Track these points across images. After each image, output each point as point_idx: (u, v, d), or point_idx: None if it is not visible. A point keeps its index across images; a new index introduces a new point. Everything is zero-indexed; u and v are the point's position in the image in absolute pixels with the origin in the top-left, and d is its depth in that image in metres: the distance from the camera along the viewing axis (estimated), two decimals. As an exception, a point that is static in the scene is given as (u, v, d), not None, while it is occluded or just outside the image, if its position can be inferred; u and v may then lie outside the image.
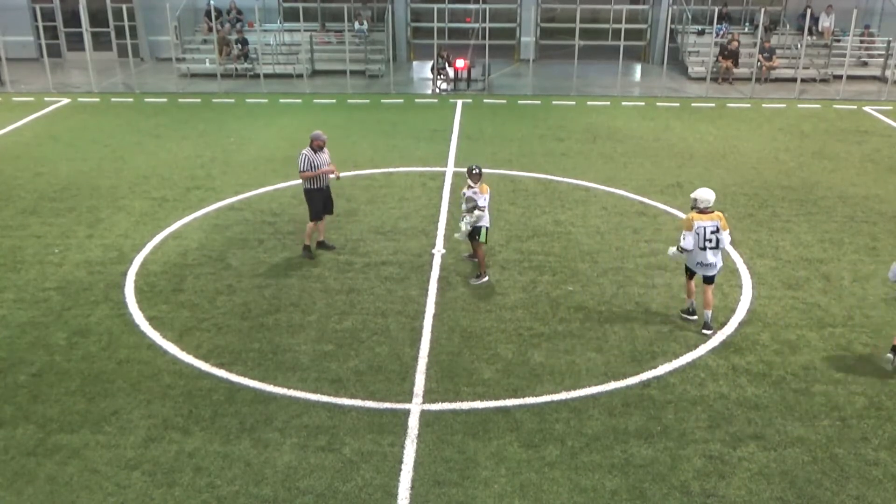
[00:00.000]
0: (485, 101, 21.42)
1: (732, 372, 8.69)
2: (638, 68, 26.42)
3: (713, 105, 20.94)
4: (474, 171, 10.30)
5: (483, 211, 10.23)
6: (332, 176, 11.35)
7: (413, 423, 7.80)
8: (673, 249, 9.44)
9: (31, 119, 19.13)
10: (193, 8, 25.96)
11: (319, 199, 11.24)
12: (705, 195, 9.21)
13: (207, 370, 8.68)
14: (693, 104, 20.99)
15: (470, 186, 10.29)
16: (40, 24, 24.62)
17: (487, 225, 10.44)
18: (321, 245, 11.61)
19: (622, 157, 16.23)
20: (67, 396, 8.20)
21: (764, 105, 21.00)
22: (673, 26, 25.20)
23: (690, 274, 9.54)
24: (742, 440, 7.59)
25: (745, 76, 23.33)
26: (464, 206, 10.39)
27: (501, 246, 11.74)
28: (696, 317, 9.67)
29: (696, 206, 9.24)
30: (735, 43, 23.47)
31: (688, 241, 9.11)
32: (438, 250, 11.64)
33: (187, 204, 13.46)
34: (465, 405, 8.10)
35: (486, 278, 10.60)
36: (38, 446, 7.46)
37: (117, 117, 19.40)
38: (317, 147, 11.05)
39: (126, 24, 23.93)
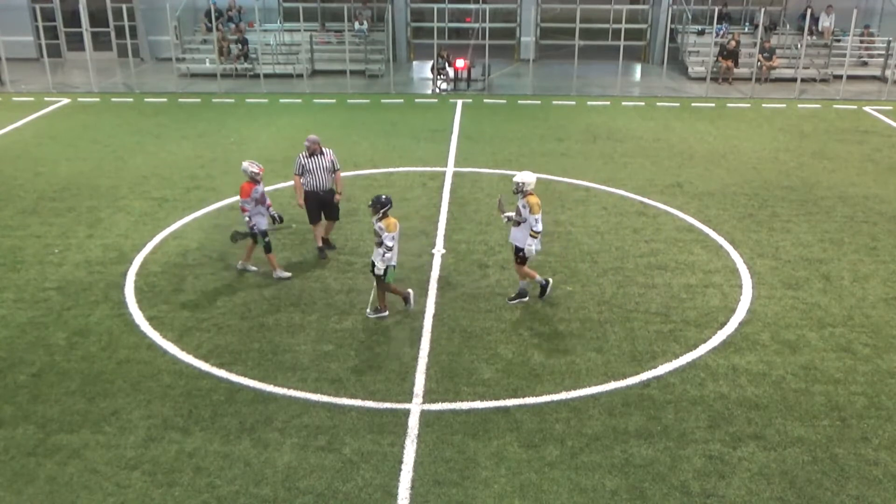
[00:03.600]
0: (485, 101, 21.42)
1: (732, 372, 8.69)
2: (638, 68, 26.42)
3: (713, 105, 20.94)
4: (369, 203, 9.33)
5: (391, 251, 9.27)
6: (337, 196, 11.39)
7: (413, 423, 7.80)
8: (532, 241, 9.66)
9: (31, 119, 19.13)
10: (193, 8, 25.97)
11: (313, 202, 11.22)
12: (533, 178, 9.69)
13: (207, 370, 8.68)
14: (693, 104, 20.99)
15: (376, 217, 9.31)
16: (40, 23, 24.64)
17: (394, 263, 9.44)
18: (326, 243, 11.59)
19: (622, 157, 16.23)
20: (67, 396, 8.20)
21: (764, 105, 21.00)
22: (673, 26, 25.20)
23: (525, 256, 9.86)
24: (742, 440, 7.59)
25: (745, 76, 23.33)
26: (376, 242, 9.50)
27: (501, 246, 11.74)
28: (550, 284, 10.18)
29: (528, 191, 9.61)
30: (733, 43, 23.46)
31: (540, 223, 9.61)
32: (438, 250, 11.64)
33: (187, 204, 13.46)
34: (465, 405, 8.10)
35: (386, 313, 9.72)
36: (38, 446, 7.46)
37: (117, 117, 19.40)
38: (310, 151, 11.05)
39: (126, 24, 23.94)
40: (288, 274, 10.79)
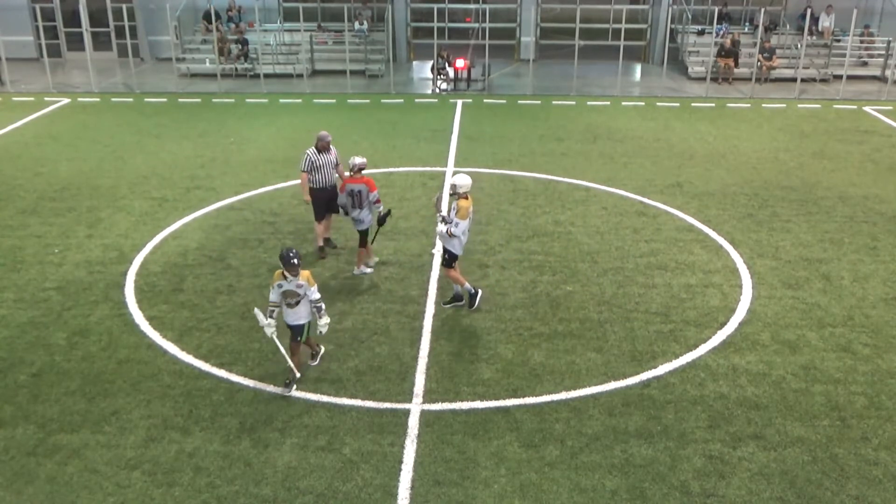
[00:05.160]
0: (485, 101, 21.42)
1: (732, 372, 8.69)
2: (638, 68, 26.42)
3: (713, 105, 20.94)
4: (292, 260, 7.89)
5: (322, 303, 8.21)
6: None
7: (413, 423, 7.80)
8: (448, 238, 9.55)
9: (31, 119, 19.13)
10: (193, 8, 25.95)
11: (322, 199, 11.24)
12: (469, 180, 9.55)
13: (207, 370, 8.67)
14: (693, 104, 20.99)
15: (286, 278, 7.97)
16: (40, 23, 24.62)
17: (308, 320, 8.28)
18: (327, 242, 11.64)
19: (622, 157, 16.23)
20: (67, 396, 8.20)
21: (764, 105, 21.00)
22: (673, 26, 25.20)
23: (455, 259, 9.71)
24: (742, 440, 7.59)
25: (745, 76, 23.34)
26: (274, 298, 8.11)
27: (501, 246, 11.74)
28: (464, 302, 9.95)
29: (458, 193, 9.48)
30: (728, 42, 23.43)
31: (461, 226, 9.45)
32: (438, 250, 11.63)
33: (187, 204, 13.47)
34: (465, 405, 8.10)
35: (297, 380, 8.38)
36: (38, 446, 7.46)
37: (117, 117, 19.41)
38: (321, 148, 11.07)
39: (126, 24, 23.92)
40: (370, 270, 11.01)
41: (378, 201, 10.55)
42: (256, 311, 8.20)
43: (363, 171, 10.51)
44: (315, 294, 8.12)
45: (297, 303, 8.09)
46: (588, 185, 14.48)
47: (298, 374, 8.38)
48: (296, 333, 8.28)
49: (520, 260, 11.33)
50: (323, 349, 8.90)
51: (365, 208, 10.53)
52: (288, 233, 12.26)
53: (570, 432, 7.68)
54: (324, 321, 8.24)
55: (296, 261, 7.90)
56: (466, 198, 9.54)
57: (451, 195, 9.67)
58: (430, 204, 13.39)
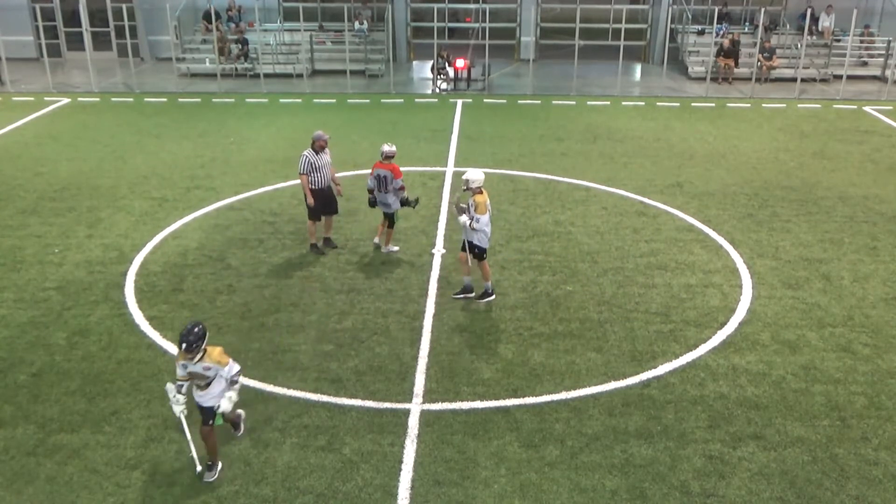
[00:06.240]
0: (485, 101, 21.42)
1: (732, 372, 8.69)
2: (638, 68, 26.41)
3: (713, 105, 20.94)
4: (192, 345, 6.53)
5: (238, 378, 6.89)
6: (336, 188, 11.51)
7: (413, 423, 7.81)
8: (471, 233, 9.71)
9: (31, 119, 19.13)
10: (193, 8, 25.95)
11: (319, 200, 11.25)
12: (481, 175, 9.70)
13: (207, 370, 8.67)
14: (693, 104, 20.98)
15: (189, 358, 6.66)
16: (40, 23, 24.61)
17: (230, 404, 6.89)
18: (327, 242, 11.65)
19: (622, 157, 16.23)
20: (67, 396, 8.20)
21: (764, 105, 20.99)
22: (673, 26, 25.19)
23: (484, 252, 9.92)
24: (742, 440, 7.59)
25: (745, 76, 23.33)
26: (181, 373, 6.79)
27: (501, 246, 11.74)
28: (474, 293, 10.17)
29: (472, 188, 9.59)
30: (727, 41, 23.43)
31: (483, 220, 9.63)
32: (438, 250, 11.64)
33: (187, 204, 13.46)
34: (465, 405, 8.10)
35: (220, 466, 7.11)
36: (38, 446, 7.46)
37: (117, 117, 19.40)
38: (318, 148, 11.08)
39: (126, 23, 23.93)
40: (396, 248, 11.58)
41: (402, 188, 11.09)
42: (168, 386, 6.84)
43: (391, 159, 10.99)
44: (232, 370, 6.78)
45: (208, 384, 6.77)
46: (588, 185, 14.48)
47: (220, 465, 7.11)
48: (207, 417, 6.87)
49: (520, 260, 11.33)
50: (243, 414, 7.66)
51: (390, 192, 10.99)
52: (288, 233, 12.26)
53: (570, 432, 7.68)
54: (229, 395, 6.78)
55: (193, 346, 6.52)
56: (481, 192, 9.63)
57: (464, 191, 9.74)
58: (431, 204, 13.40)
